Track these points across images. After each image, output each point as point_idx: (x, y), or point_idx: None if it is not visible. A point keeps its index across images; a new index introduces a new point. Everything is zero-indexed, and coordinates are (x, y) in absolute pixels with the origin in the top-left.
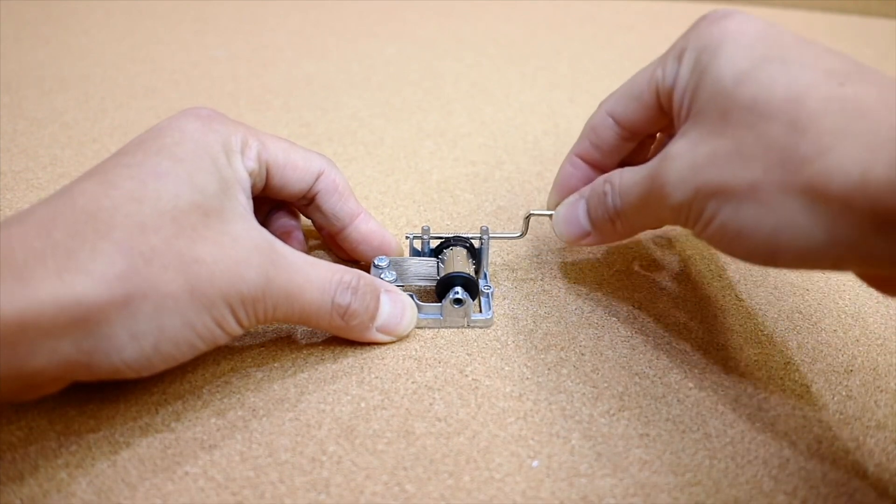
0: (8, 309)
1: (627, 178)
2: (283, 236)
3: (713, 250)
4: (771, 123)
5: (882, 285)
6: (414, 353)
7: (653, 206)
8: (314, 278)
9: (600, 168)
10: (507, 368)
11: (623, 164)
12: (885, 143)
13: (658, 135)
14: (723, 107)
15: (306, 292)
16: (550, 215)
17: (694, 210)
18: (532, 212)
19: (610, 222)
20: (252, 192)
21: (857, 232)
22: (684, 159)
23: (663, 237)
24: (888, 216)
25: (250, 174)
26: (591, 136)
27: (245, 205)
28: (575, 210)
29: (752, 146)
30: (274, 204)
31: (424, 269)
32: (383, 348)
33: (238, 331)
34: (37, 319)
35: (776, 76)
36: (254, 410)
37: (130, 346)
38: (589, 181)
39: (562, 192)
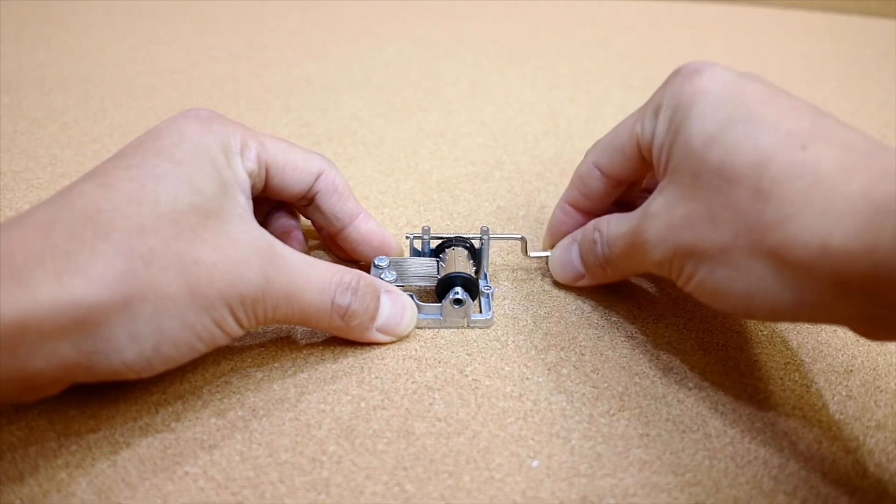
0: (7, 311)
1: (614, 229)
2: (283, 237)
3: None
4: (737, 188)
5: (866, 334)
6: (414, 353)
7: (637, 259)
8: (314, 279)
9: (590, 214)
10: (507, 368)
11: (614, 206)
12: (841, 213)
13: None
14: (694, 169)
15: (306, 293)
16: (547, 256)
17: (675, 267)
18: (530, 254)
19: (601, 268)
20: (252, 193)
21: (821, 295)
22: (662, 219)
23: None
24: (848, 282)
25: (249, 175)
26: (580, 185)
27: (244, 206)
28: (569, 253)
29: (720, 210)
30: (274, 204)
31: (424, 270)
32: (383, 348)
33: (238, 332)
34: (36, 321)
35: (742, 140)
36: (254, 410)
37: (130, 347)
38: (580, 225)
39: (555, 236)
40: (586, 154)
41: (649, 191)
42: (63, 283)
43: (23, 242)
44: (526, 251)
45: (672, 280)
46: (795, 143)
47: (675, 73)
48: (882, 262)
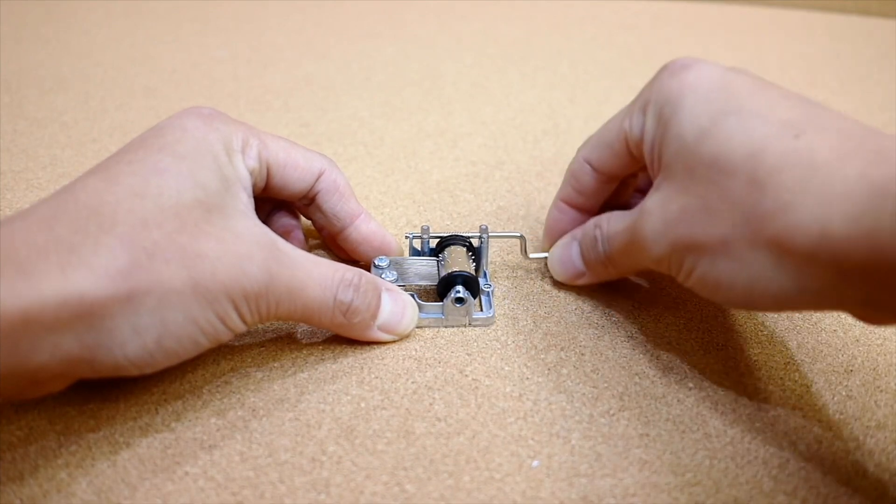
0: (10, 304)
1: (613, 226)
2: (284, 236)
3: None
4: (733, 180)
5: (866, 320)
6: (414, 353)
7: (636, 255)
8: (316, 275)
9: (586, 210)
10: (507, 368)
11: (608, 202)
12: (839, 197)
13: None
14: (687, 163)
15: (309, 289)
16: (546, 257)
17: (674, 262)
18: (529, 255)
19: (602, 265)
20: (253, 192)
21: (824, 282)
22: (658, 215)
23: None
24: (850, 267)
25: (251, 173)
26: (573, 181)
27: (246, 202)
28: (569, 251)
29: (717, 203)
30: (275, 204)
31: (424, 269)
32: (383, 348)
33: (241, 327)
34: (39, 314)
35: (734, 131)
36: (254, 410)
37: (133, 341)
38: (577, 223)
39: (553, 236)
40: (578, 150)
41: (643, 191)
42: (67, 275)
43: (26, 236)
44: (525, 252)
45: (672, 276)
46: (789, 132)
47: (663, 70)
48: (883, 244)
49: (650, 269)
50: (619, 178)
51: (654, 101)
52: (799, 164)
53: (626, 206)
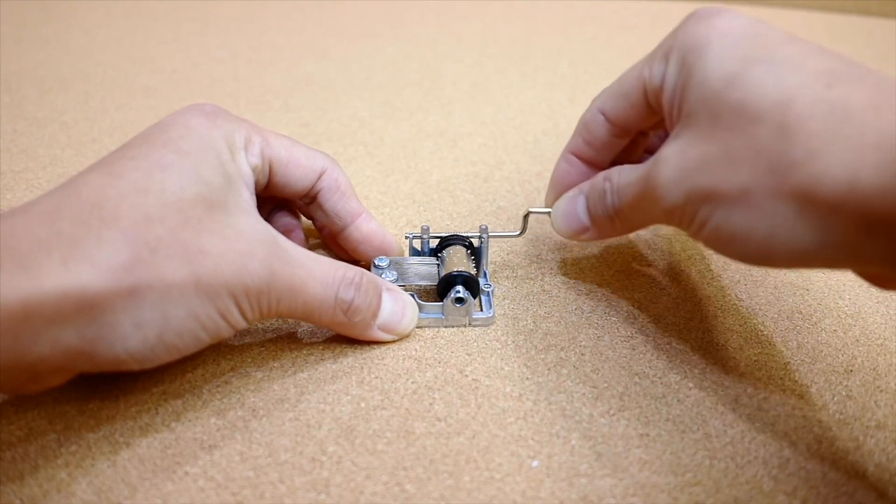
0: (11, 297)
1: (625, 178)
2: (285, 235)
3: None
4: (760, 127)
5: (879, 282)
6: (414, 353)
7: (647, 207)
8: (318, 273)
9: (595, 165)
10: (507, 368)
11: (616, 161)
12: (872, 147)
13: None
14: (712, 110)
15: (310, 287)
16: (549, 212)
17: (687, 213)
18: (531, 209)
19: (608, 219)
20: (255, 189)
21: (847, 235)
22: (675, 163)
23: (663, 237)
24: (877, 219)
25: (253, 170)
26: (584, 132)
27: (248, 200)
28: (574, 205)
29: (741, 150)
30: (275, 204)
31: (425, 269)
32: (383, 348)
33: (242, 323)
34: (40, 308)
35: (764, 78)
36: (254, 410)
37: (134, 335)
38: (584, 178)
39: (558, 189)
40: (592, 101)
41: (652, 152)
42: (69, 269)
43: (28, 229)
44: (525, 229)
45: (683, 229)
46: (821, 81)
47: (688, 17)
48: None
49: (658, 223)
50: (633, 133)
51: (678, 48)
52: (831, 113)
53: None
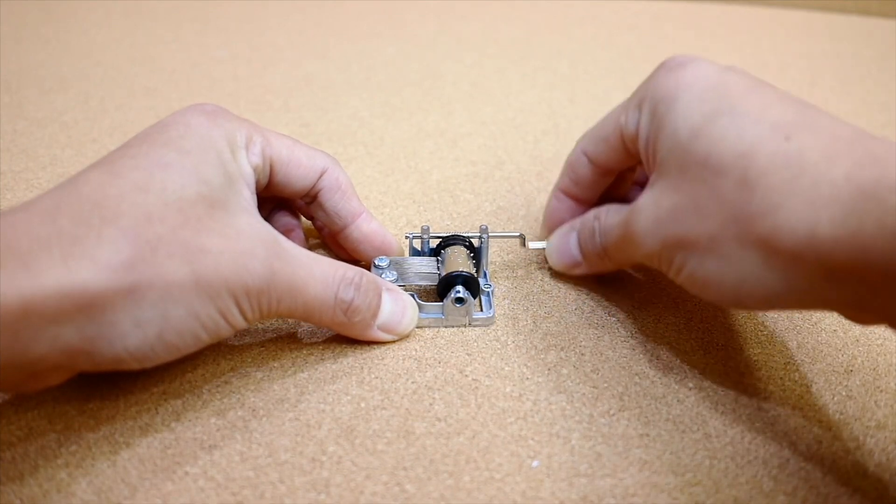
0: (11, 295)
1: (610, 220)
2: (284, 235)
3: None
4: (723, 179)
5: (854, 320)
6: (414, 353)
7: (629, 250)
8: (318, 273)
9: (583, 202)
10: (507, 368)
11: (606, 195)
12: (827, 200)
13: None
14: (680, 161)
15: (310, 286)
16: (543, 248)
17: (664, 259)
18: (529, 243)
19: (598, 257)
20: (256, 189)
21: (810, 282)
22: (650, 212)
23: None
24: (836, 268)
25: (254, 169)
26: (570, 172)
27: (249, 199)
28: (567, 241)
29: (707, 201)
30: (275, 204)
31: (425, 269)
32: (383, 348)
33: (242, 323)
34: (40, 306)
35: (726, 131)
36: (254, 410)
37: (134, 334)
38: (574, 214)
39: (551, 225)
40: (577, 142)
41: (641, 184)
42: (70, 267)
43: (28, 227)
44: (524, 245)
45: (663, 272)
46: (780, 133)
47: (660, 67)
48: (868, 246)
49: (644, 264)
50: (616, 172)
51: (649, 99)
52: (788, 166)
53: (624, 199)
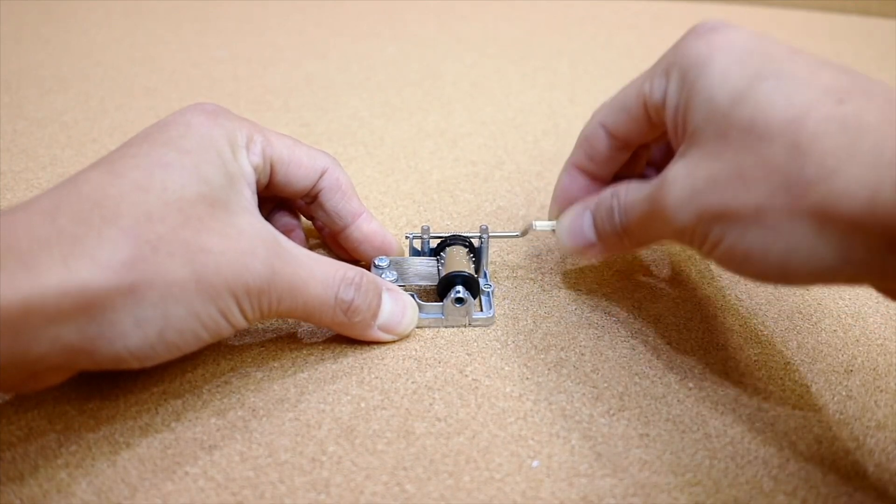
0: (11, 296)
1: (632, 195)
2: (284, 234)
3: None
4: (771, 146)
5: None
6: (414, 353)
7: (657, 226)
8: (318, 273)
9: (597, 178)
10: (507, 368)
11: (619, 174)
12: (891, 163)
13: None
14: (720, 128)
15: (310, 286)
16: (553, 228)
17: (699, 233)
18: (535, 223)
19: (616, 237)
20: (256, 188)
21: (870, 252)
22: (684, 183)
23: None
24: None
25: (255, 169)
26: (586, 146)
27: (250, 199)
28: (580, 221)
29: (753, 169)
30: (275, 204)
31: (425, 269)
32: (383, 348)
33: (242, 323)
34: (41, 306)
35: (773, 95)
36: (254, 410)
37: (135, 333)
38: (587, 191)
39: (562, 203)
40: (593, 115)
41: (655, 164)
42: (70, 267)
43: (28, 227)
44: (527, 233)
45: (694, 248)
46: (832, 97)
47: (689, 32)
48: None
49: (668, 241)
50: (635, 146)
51: (678, 64)
52: (845, 130)
53: (639, 178)
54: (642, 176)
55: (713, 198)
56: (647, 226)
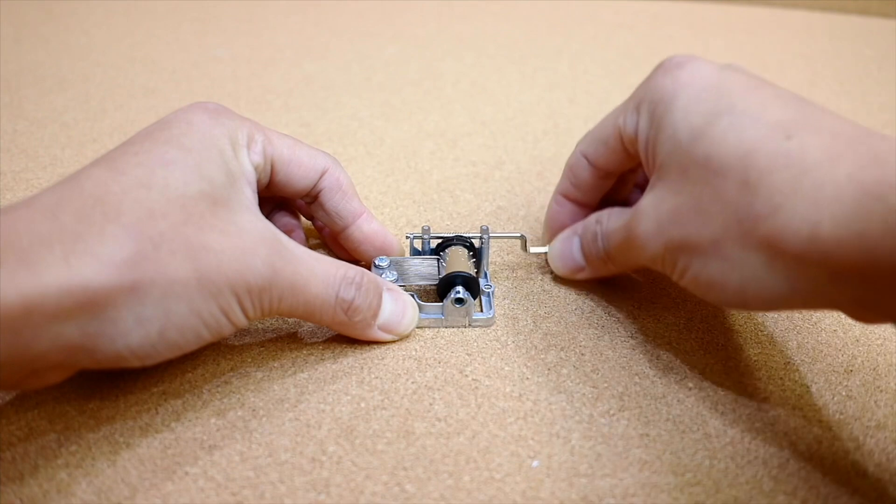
0: (12, 293)
1: (612, 223)
2: (285, 234)
3: None
4: (725, 180)
5: (858, 318)
6: (414, 353)
7: (633, 254)
8: (319, 272)
9: (584, 205)
10: (507, 368)
11: (606, 198)
12: (830, 200)
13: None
14: (681, 163)
15: (311, 285)
16: (545, 253)
17: (668, 262)
18: (530, 249)
19: (601, 261)
20: (257, 188)
21: (815, 283)
22: (651, 215)
23: None
24: (840, 269)
25: (255, 168)
26: (570, 175)
27: (251, 198)
28: (569, 246)
29: (710, 203)
30: (276, 204)
31: (425, 269)
32: (383, 348)
33: (243, 321)
34: (42, 303)
35: (727, 132)
36: (254, 410)
37: (136, 331)
38: (575, 217)
39: (553, 229)
40: (577, 144)
41: (642, 187)
42: (71, 265)
43: (29, 224)
44: (525, 248)
45: (667, 274)
46: (780, 133)
47: (657, 68)
48: (872, 246)
49: (648, 267)
50: (616, 174)
51: (647, 100)
52: (790, 166)
53: (625, 202)
54: (629, 199)
55: (676, 230)
56: (625, 252)
